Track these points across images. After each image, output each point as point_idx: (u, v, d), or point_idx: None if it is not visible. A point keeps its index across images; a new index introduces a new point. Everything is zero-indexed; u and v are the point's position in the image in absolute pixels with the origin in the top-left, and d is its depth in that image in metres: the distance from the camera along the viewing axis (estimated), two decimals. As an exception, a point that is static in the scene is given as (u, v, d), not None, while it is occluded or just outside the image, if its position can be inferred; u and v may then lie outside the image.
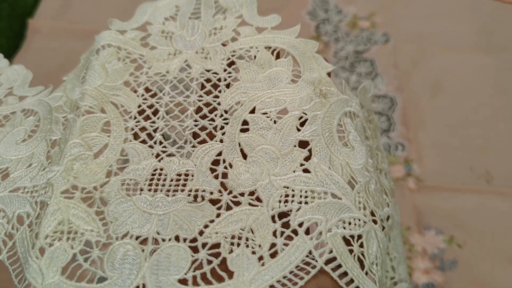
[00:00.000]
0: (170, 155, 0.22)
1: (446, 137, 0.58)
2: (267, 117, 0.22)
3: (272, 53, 0.25)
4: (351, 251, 0.18)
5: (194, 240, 0.19)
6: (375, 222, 0.19)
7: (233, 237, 0.19)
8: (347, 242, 0.18)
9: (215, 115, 0.23)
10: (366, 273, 0.18)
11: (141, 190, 0.21)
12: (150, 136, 0.23)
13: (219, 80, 0.25)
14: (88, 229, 0.19)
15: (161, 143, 0.23)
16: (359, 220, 0.19)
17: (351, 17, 0.71)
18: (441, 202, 0.53)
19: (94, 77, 0.24)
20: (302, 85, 0.23)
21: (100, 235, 0.19)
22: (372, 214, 0.19)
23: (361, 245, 0.18)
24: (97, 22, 0.69)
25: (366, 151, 0.21)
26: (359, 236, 0.18)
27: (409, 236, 0.50)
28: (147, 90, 0.24)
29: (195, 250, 0.19)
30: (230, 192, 0.20)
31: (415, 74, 0.64)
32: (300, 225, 0.19)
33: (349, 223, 0.19)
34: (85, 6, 0.71)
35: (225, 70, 0.25)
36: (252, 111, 0.23)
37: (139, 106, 0.24)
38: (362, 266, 0.18)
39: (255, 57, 0.25)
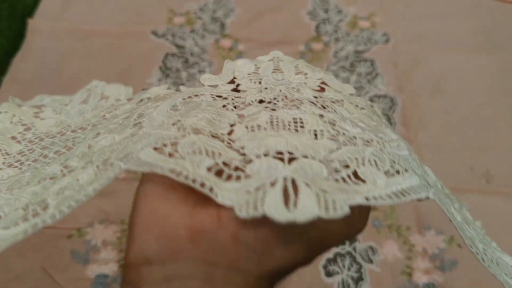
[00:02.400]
0: None
1: (446, 137, 0.58)
2: None
3: None
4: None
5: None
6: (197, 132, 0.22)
7: None
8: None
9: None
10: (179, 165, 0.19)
11: None
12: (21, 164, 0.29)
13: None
14: None
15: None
16: (176, 138, 0.21)
17: (351, 17, 0.71)
18: (441, 202, 0.53)
19: None
20: None
21: None
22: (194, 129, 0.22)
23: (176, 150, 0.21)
24: (97, 22, 0.69)
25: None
26: (174, 144, 0.21)
27: (409, 236, 0.50)
28: (30, 142, 0.30)
29: None
30: None
31: (415, 74, 0.64)
32: None
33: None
34: (85, 6, 0.71)
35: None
36: None
37: (20, 150, 0.30)
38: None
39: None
